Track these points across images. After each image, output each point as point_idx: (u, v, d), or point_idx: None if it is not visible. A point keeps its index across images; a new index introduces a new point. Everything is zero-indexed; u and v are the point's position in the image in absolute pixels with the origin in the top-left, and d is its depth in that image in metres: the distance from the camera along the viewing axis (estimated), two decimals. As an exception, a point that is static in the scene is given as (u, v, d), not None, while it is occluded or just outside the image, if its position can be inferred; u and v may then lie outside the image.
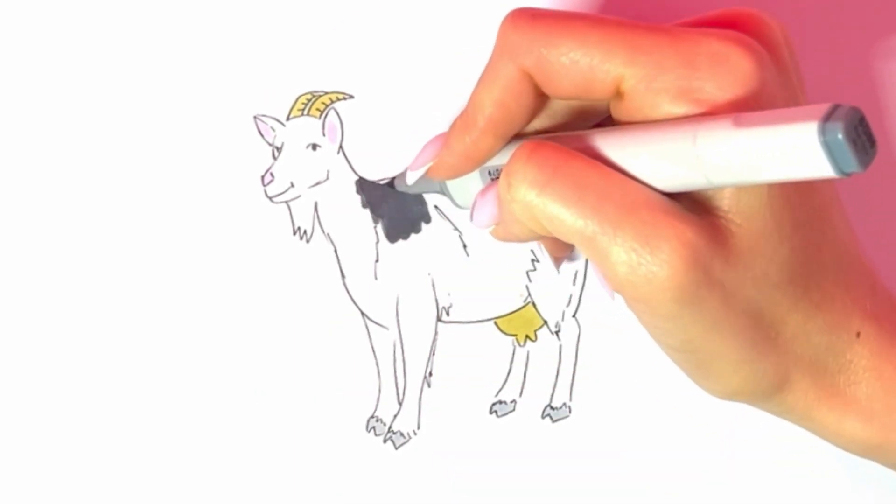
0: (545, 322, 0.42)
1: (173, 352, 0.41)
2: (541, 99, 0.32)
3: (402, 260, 0.41)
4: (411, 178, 0.37)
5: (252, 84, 0.41)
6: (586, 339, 0.42)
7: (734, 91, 0.29)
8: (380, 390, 0.41)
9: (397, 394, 0.41)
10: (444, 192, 0.38)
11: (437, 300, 0.41)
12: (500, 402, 0.42)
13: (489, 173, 0.35)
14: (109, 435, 0.41)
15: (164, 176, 0.41)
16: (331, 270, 0.41)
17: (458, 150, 0.34)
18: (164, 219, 0.41)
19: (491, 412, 0.42)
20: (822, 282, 0.32)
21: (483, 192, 0.35)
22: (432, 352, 0.41)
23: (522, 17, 0.31)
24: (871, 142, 0.26)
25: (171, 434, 0.41)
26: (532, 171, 0.30)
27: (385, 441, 0.41)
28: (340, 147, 0.41)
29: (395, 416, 0.41)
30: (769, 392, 0.33)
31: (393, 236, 0.41)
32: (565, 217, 0.30)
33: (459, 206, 0.38)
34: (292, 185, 0.41)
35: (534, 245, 0.41)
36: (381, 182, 0.41)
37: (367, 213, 0.41)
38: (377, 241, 0.41)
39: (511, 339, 0.42)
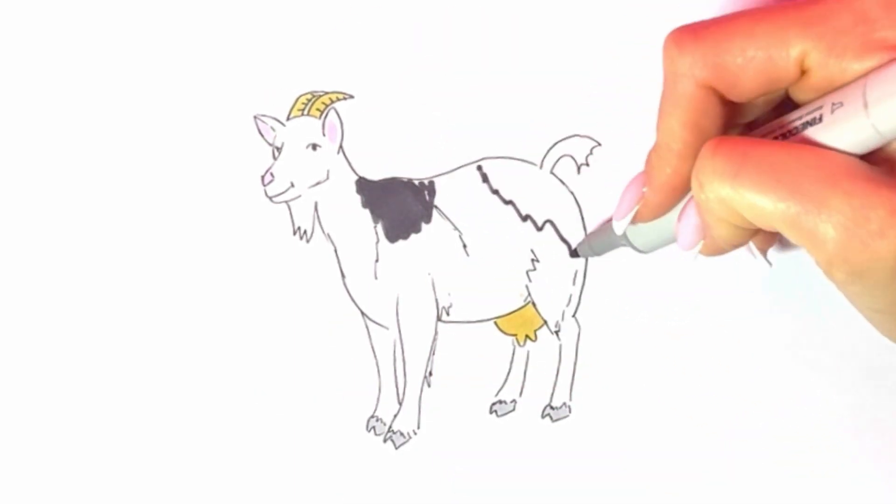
0: (545, 322, 0.42)
1: (173, 351, 0.41)
2: (727, 108, 0.32)
3: (402, 260, 0.41)
4: (619, 228, 0.37)
5: (252, 84, 0.41)
6: (586, 339, 0.42)
7: None
8: (380, 390, 0.41)
9: (397, 394, 0.41)
10: (627, 243, 0.38)
11: (437, 300, 0.41)
12: (500, 402, 0.42)
13: None
14: (109, 434, 0.41)
15: (164, 176, 0.41)
16: (331, 270, 0.41)
17: (660, 182, 0.34)
18: (164, 219, 0.41)
19: (491, 412, 0.42)
20: None
21: (680, 214, 0.34)
22: (432, 352, 0.41)
23: (683, 35, 0.31)
24: None
25: (171, 434, 0.41)
26: (720, 163, 0.30)
27: (385, 441, 0.41)
28: (340, 147, 0.41)
29: (395, 416, 0.41)
30: None
31: (393, 236, 0.41)
32: (764, 203, 0.29)
33: (643, 251, 0.38)
34: (292, 185, 0.41)
35: (534, 245, 0.41)
36: (581, 248, 0.41)
37: (367, 213, 0.41)
38: (377, 241, 0.41)
39: (511, 338, 0.42)
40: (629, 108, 0.41)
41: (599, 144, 0.41)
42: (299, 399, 0.41)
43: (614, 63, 0.41)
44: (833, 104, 0.29)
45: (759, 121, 0.34)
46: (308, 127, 0.41)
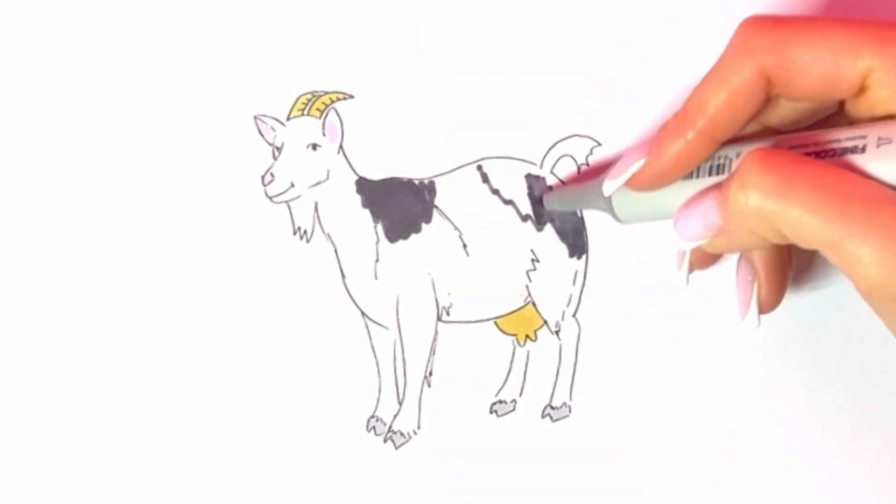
0: (545, 322, 0.42)
1: (174, 351, 0.41)
2: (765, 103, 0.32)
3: (402, 260, 0.41)
4: (609, 189, 0.36)
5: (252, 84, 0.41)
6: (586, 338, 0.42)
7: None
8: (380, 390, 0.41)
9: (397, 394, 0.41)
10: (605, 208, 0.37)
11: (437, 300, 0.41)
12: (501, 402, 0.42)
13: None
14: (109, 434, 0.41)
15: (164, 176, 0.41)
16: (331, 270, 0.41)
17: (669, 153, 0.33)
18: (164, 219, 0.41)
19: (491, 412, 0.42)
20: None
21: (689, 203, 0.34)
22: (432, 352, 0.41)
23: (764, 20, 0.32)
24: None
25: (171, 434, 0.41)
26: (770, 178, 0.30)
27: (385, 441, 0.41)
28: (340, 147, 0.41)
29: (395, 416, 0.41)
30: None
31: (393, 236, 0.41)
32: (811, 223, 0.29)
33: (621, 221, 0.37)
34: (292, 185, 0.41)
35: (534, 245, 0.41)
36: (548, 195, 0.40)
37: (367, 213, 0.41)
38: (377, 241, 0.41)
39: (511, 338, 0.42)
40: (629, 108, 0.41)
41: (599, 144, 0.41)
42: (299, 399, 0.41)
43: (614, 63, 0.41)
44: (880, 139, 0.30)
45: (777, 130, 0.35)
46: (308, 127, 0.41)
